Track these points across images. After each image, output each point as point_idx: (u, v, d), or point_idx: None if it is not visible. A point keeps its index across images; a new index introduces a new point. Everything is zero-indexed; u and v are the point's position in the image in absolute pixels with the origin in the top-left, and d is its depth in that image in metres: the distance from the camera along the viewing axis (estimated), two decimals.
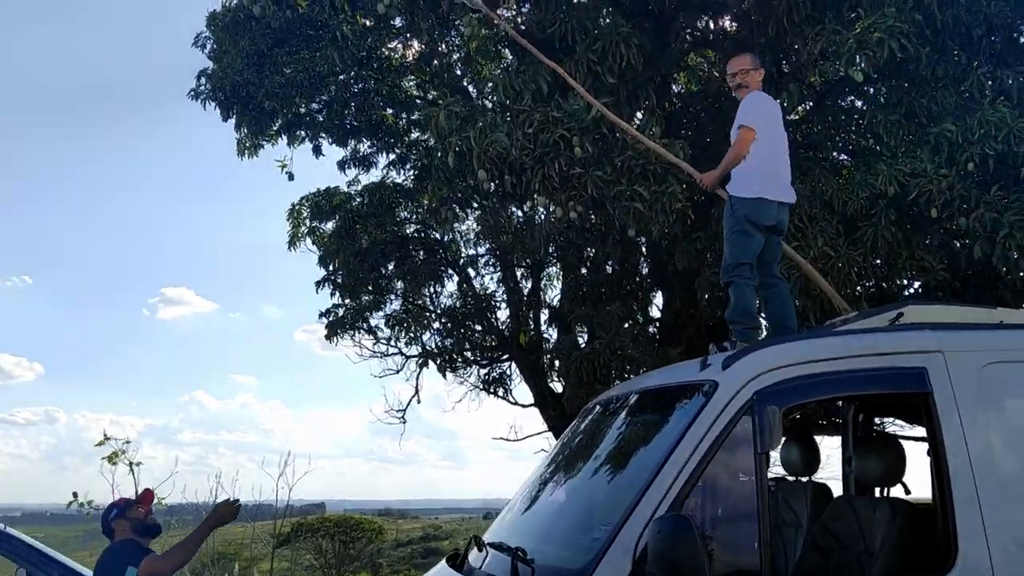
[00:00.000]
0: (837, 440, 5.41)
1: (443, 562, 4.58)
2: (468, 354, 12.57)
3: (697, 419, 3.44)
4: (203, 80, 11.50)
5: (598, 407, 4.73)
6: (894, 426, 7.20)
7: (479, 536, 4.37)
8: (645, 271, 11.28)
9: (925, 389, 3.59)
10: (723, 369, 3.61)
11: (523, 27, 8.40)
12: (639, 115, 8.91)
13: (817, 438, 4.97)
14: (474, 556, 4.26)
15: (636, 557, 3.16)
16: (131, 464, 14.30)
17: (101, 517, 5.62)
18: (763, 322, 5.91)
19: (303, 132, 12.28)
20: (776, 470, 4.94)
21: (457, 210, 8.37)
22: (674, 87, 10.72)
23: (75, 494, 13.06)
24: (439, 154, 7.98)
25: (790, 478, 4.78)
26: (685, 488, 3.30)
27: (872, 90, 9.00)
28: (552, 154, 7.41)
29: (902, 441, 4.26)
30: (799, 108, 9.97)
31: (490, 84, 8.53)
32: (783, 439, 4.53)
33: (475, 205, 9.60)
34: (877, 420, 5.89)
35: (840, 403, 5.17)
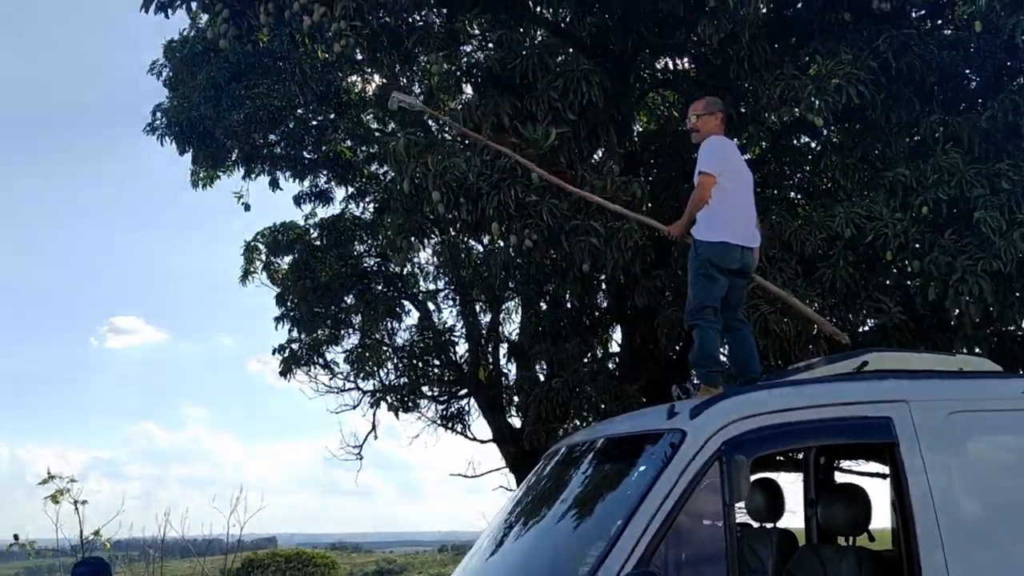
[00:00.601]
0: (796, 477, 5.40)
1: None
2: (425, 389, 12.44)
3: (665, 470, 3.39)
4: (159, 115, 11.38)
5: (563, 450, 4.66)
6: (852, 464, 7.27)
7: None
8: (605, 306, 11.29)
9: (891, 438, 3.60)
10: (691, 418, 3.58)
11: (485, 63, 8.41)
12: (599, 152, 8.97)
13: (775, 475, 4.96)
14: None
15: None
16: (76, 502, 13.82)
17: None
18: (725, 363, 5.92)
19: (260, 165, 12.18)
20: (741, 515, 4.91)
21: (414, 240, 8.29)
22: (634, 126, 10.82)
23: (16, 536, 12.60)
24: (397, 183, 7.94)
25: (755, 524, 4.75)
26: (653, 542, 3.24)
27: (827, 132, 9.18)
28: (508, 180, 7.40)
29: (865, 488, 4.26)
30: (755, 148, 10.13)
31: (449, 116, 8.53)
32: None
33: (432, 236, 9.54)
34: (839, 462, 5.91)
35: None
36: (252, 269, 13.56)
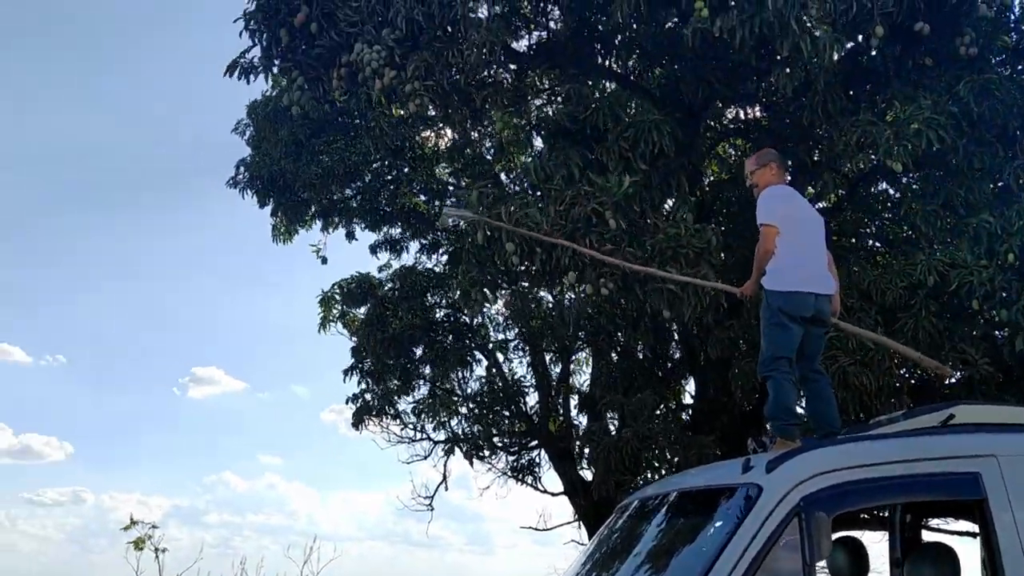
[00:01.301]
0: (881, 536, 5.18)
1: None
2: (496, 440, 12.39)
3: (741, 525, 3.29)
4: (241, 169, 11.87)
5: (636, 504, 4.57)
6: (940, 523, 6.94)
7: None
8: (677, 357, 11.13)
9: (979, 495, 3.43)
10: (767, 472, 3.48)
11: (555, 117, 8.50)
12: (670, 201, 8.94)
13: (859, 534, 4.76)
14: None
15: None
16: (156, 550, 14.14)
17: None
18: (803, 417, 5.76)
19: (337, 218, 12.52)
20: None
21: (487, 292, 8.33)
22: (705, 176, 10.78)
23: None
24: (470, 235, 8.03)
25: None
26: None
27: (907, 179, 8.97)
28: (583, 229, 7.39)
29: (954, 548, 4.06)
30: (831, 196, 9.96)
31: (520, 168, 8.63)
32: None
33: (505, 287, 9.58)
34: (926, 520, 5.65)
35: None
36: (330, 318, 13.82)
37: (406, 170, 12.22)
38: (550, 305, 11.62)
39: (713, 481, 3.96)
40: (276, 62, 8.56)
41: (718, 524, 3.47)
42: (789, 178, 6.37)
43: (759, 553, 3.21)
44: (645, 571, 3.88)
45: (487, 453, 12.16)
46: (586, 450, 12.10)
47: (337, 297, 13.41)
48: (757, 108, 10.09)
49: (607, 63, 9.50)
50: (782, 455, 3.58)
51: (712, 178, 11.18)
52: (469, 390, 12.77)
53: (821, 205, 9.77)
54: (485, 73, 8.20)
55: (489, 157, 11.81)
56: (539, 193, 7.88)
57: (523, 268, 7.71)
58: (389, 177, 12.26)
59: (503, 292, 10.33)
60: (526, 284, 9.41)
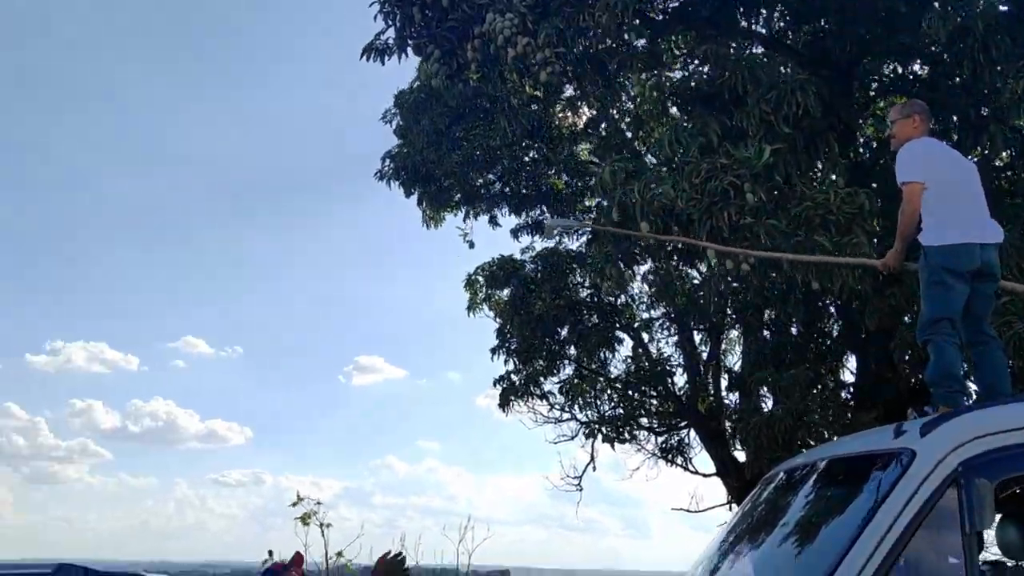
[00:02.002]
0: None
1: None
2: (644, 420, 12.18)
3: (892, 492, 3.01)
4: (387, 161, 12.26)
5: (782, 475, 4.31)
6: None
7: None
8: (835, 332, 10.54)
9: None
10: (921, 436, 3.18)
11: (691, 81, 8.21)
12: (819, 164, 8.45)
13: None
14: None
15: None
16: (322, 525, 14.89)
17: None
18: (971, 385, 5.28)
19: (480, 204, 12.70)
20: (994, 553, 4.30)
21: (622, 268, 8.14)
22: (859, 136, 10.12)
23: (270, 552, 13.74)
24: (605, 212, 7.88)
25: (1010, 563, 4.13)
26: (880, 571, 2.87)
27: None
28: (721, 203, 7.09)
29: None
30: (1001, 153, 9.12)
31: (655, 142, 8.38)
32: (998, 517, 3.92)
33: (643, 264, 9.35)
34: None
35: None
36: (477, 302, 14.02)
37: (544, 151, 12.20)
38: (696, 282, 11.30)
39: (862, 448, 3.66)
40: (410, 41, 8.67)
41: (866, 493, 3.19)
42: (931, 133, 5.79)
43: (911, 523, 2.92)
44: (788, 542, 3.64)
45: (628, 436, 11.96)
46: (737, 430, 11.70)
47: (481, 280, 13.57)
48: (916, 62, 9.38)
49: (749, 24, 9.09)
50: (939, 417, 3.27)
51: (868, 139, 10.49)
52: (614, 371, 12.63)
53: (995, 163, 8.97)
54: (618, 39, 8.01)
55: (627, 130, 11.59)
56: (673, 167, 7.63)
57: (659, 246, 7.47)
58: (527, 159, 12.28)
59: (642, 268, 10.09)
60: (666, 261, 9.15)
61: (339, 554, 14.66)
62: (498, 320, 13.18)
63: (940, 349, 4.55)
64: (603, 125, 11.43)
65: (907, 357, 8.15)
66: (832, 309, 10.16)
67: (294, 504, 14.37)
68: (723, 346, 13.11)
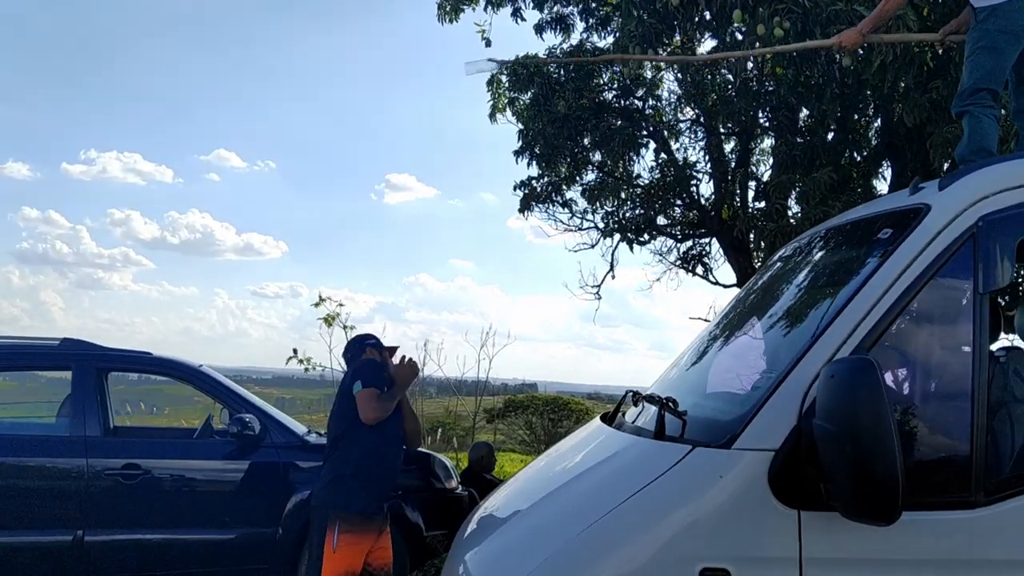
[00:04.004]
0: None
1: (596, 419, 4.17)
2: (663, 224, 11.86)
3: (898, 248, 2.70)
4: None
5: (788, 249, 4.03)
6: None
7: (636, 391, 3.88)
8: (872, 135, 9.94)
9: None
10: (939, 190, 2.83)
11: None
12: None
13: None
14: (629, 412, 3.81)
15: (803, 409, 2.53)
16: (345, 327, 15.15)
17: (353, 340, 5.82)
18: None
19: None
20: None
21: (647, 47, 7.50)
22: None
23: (295, 350, 14.05)
24: None
25: None
26: (875, 330, 2.60)
27: None
28: None
29: None
30: None
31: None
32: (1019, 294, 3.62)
33: (668, 44, 8.63)
34: None
35: None
36: (499, 107, 13.44)
37: None
38: (728, 78, 10.61)
39: (874, 210, 3.31)
40: None
41: (872, 253, 2.88)
42: None
43: (919, 277, 2.62)
44: (781, 316, 3.39)
45: (653, 235, 11.67)
46: (762, 242, 11.35)
47: (503, 80, 12.93)
48: None
49: None
50: (960, 170, 2.90)
51: None
52: (637, 175, 12.18)
53: None
54: None
55: None
56: None
57: (686, 14, 6.82)
58: None
59: (666, 48, 9.32)
60: (690, 30, 8.32)
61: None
62: (520, 124, 12.66)
63: (976, 121, 4.12)
64: None
65: (943, 159, 7.61)
66: (870, 110, 9.52)
67: (317, 304, 14.55)
68: (753, 154, 12.56)
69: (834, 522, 2.41)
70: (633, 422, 3.54)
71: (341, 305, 14.00)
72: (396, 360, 5.58)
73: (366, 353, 5.62)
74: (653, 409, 3.22)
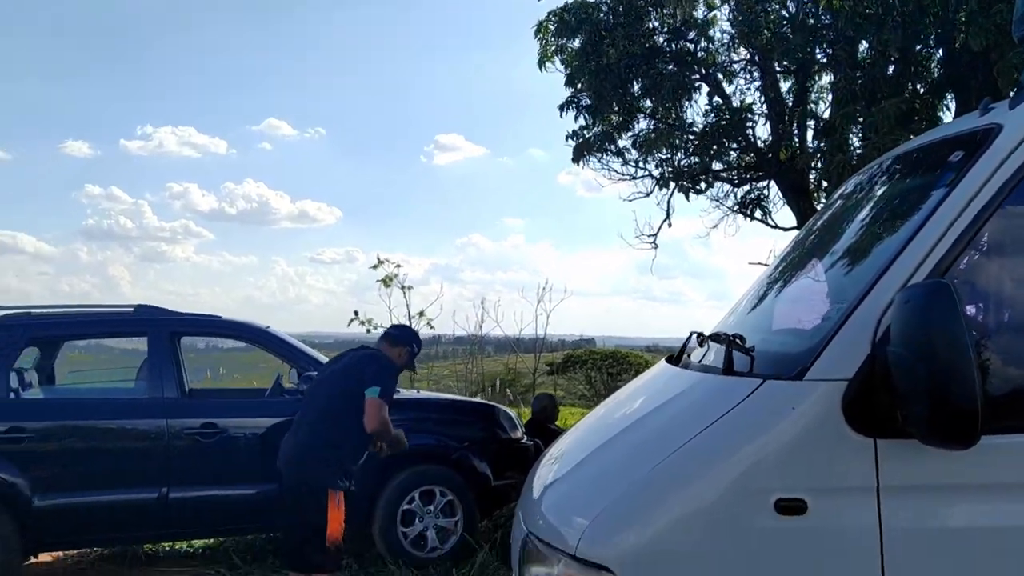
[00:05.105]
0: None
1: (661, 360, 4.16)
2: (719, 170, 11.65)
3: (971, 170, 2.61)
4: None
5: (847, 188, 3.93)
6: None
7: (700, 333, 3.85)
8: (934, 65, 9.59)
9: None
10: (1010, 109, 2.74)
11: None
12: None
13: None
14: (695, 353, 3.79)
15: (877, 337, 2.48)
16: (403, 287, 15.36)
17: (411, 331, 5.93)
18: None
19: None
20: None
21: None
22: None
23: (356, 312, 14.32)
24: None
25: None
26: (949, 254, 2.53)
27: None
28: None
29: None
30: None
31: None
32: None
33: None
34: None
35: None
36: (548, 55, 13.26)
37: None
38: (784, 15, 10.31)
39: (941, 135, 3.21)
40: None
41: (941, 176, 2.80)
42: None
43: (991, 202, 2.53)
44: (848, 247, 3.31)
45: (710, 183, 11.49)
46: (823, 182, 11.11)
47: (551, 27, 12.75)
48: None
49: None
50: None
51: None
52: (690, 122, 11.96)
53: None
54: None
55: None
56: None
57: None
58: None
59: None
60: None
61: (420, 313, 15.16)
62: (568, 72, 12.50)
63: None
64: None
65: (1009, 82, 7.32)
66: (932, 39, 9.17)
67: (375, 267, 14.76)
68: (811, 94, 12.22)
69: (911, 449, 2.39)
70: (699, 361, 3.53)
71: (399, 266, 14.18)
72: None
73: (399, 353, 5.65)
74: (719, 347, 3.20)
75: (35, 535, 6.30)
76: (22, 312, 6.95)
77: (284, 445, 5.45)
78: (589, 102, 12.02)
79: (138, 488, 6.43)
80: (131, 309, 7.15)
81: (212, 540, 7.78)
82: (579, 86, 11.94)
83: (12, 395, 6.48)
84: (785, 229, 12.33)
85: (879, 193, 3.43)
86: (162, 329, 6.86)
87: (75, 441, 6.45)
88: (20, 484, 6.18)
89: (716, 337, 3.33)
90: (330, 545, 5.01)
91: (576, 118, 12.07)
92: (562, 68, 13.05)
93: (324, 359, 7.47)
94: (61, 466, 6.34)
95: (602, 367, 25.66)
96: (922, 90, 9.46)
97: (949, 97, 9.88)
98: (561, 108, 12.20)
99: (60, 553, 7.66)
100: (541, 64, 13.23)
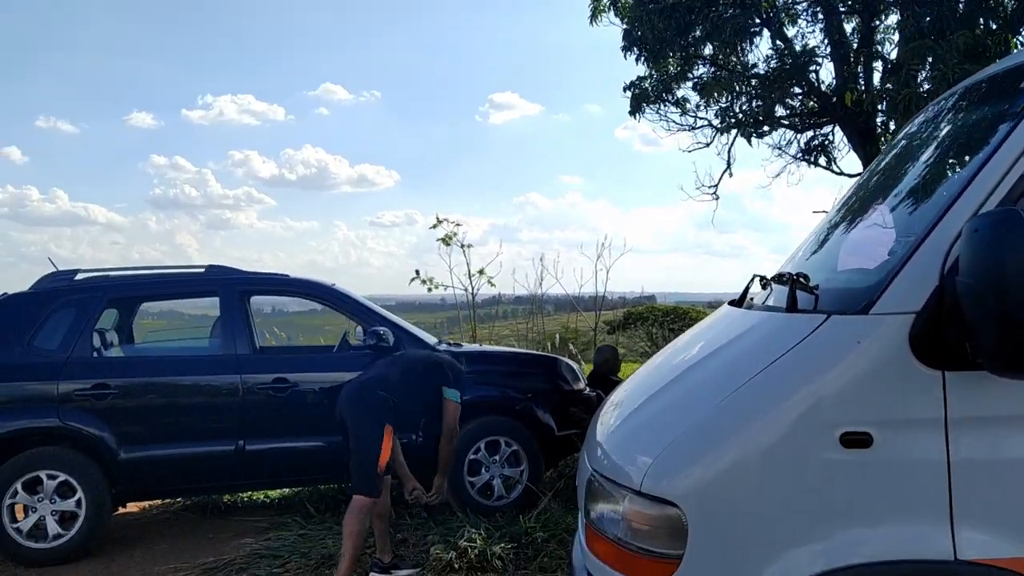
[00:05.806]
0: None
1: (724, 304, 4.14)
2: (781, 115, 11.39)
3: None
4: None
5: (914, 124, 3.83)
6: None
7: (763, 276, 3.82)
8: (1009, 7, 9.17)
9: None
10: None
11: None
12: None
13: None
14: (758, 295, 3.76)
15: (945, 268, 2.45)
16: (463, 246, 15.47)
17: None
18: None
19: None
20: None
21: None
22: None
23: (417, 271, 14.49)
24: None
25: None
26: (1021, 183, 2.47)
27: None
28: None
29: None
30: None
31: None
32: None
33: None
34: None
35: None
36: (602, 7, 13.06)
37: None
38: None
39: (1012, 62, 3.10)
40: None
41: (1016, 103, 2.71)
42: None
43: None
44: (916, 182, 3.24)
45: (772, 127, 11.24)
46: (891, 124, 10.78)
47: None
48: None
49: None
50: None
51: None
52: (752, 66, 11.69)
53: None
54: None
55: None
56: None
57: None
58: None
59: None
60: None
61: (481, 271, 15.28)
62: (624, 23, 12.29)
63: None
64: None
65: None
66: None
67: (434, 226, 14.88)
68: (877, 35, 11.83)
69: (980, 380, 2.36)
70: (763, 303, 3.52)
71: (458, 225, 14.27)
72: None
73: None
74: (783, 288, 3.18)
75: (121, 486, 6.62)
76: (100, 275, 7.22)
77: (347, 387, 5.76)
78: (649, 47, 11.79)
79: (216, 441, 6.68)
80: (202, 270, 7.38)
81: (287, 491, 8.07)
82: (639, 33, 11.73)
83: (95, 354, 6.77)
84: (851, 176, 12.03)
85: (946, 127, 3.34)
86: (233, 288, 7.07)
87: (155, 397, 6.72)
88: (107, 438, 6.49)
89: (779, 278, 3.31)
90: (380, 471, 5.44)
91: (637, 61, 11.85)
92: (617, 21, 12.85)
93: (391, 315, 7.61)
94: (143, 421, 6.63)
95: (663, 323, 25.48)
96: (994, 26, 9.06)
97: (1023, 32, 9.46)
98: (624, 49, 11.95)
99: (145, 504, 8.03)
100: (594, 17, 13.05)
